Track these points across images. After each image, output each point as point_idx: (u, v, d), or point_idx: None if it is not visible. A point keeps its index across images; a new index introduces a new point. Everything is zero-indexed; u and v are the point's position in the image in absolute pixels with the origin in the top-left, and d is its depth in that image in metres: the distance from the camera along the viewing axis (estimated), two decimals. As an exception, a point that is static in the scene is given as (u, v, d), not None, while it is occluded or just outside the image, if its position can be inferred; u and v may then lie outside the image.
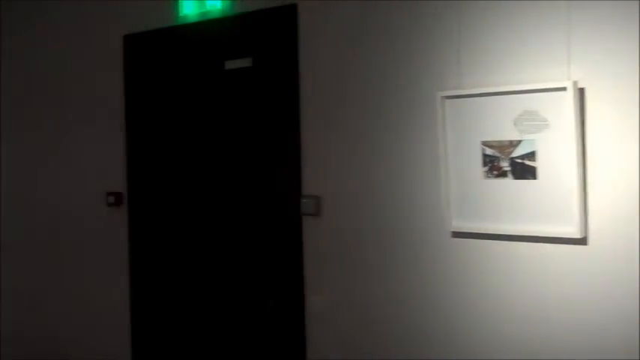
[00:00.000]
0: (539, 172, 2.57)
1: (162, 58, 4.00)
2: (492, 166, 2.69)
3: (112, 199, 4.24)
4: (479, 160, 2.72)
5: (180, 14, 3.84)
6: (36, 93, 4.72)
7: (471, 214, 2.76)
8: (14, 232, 4.92)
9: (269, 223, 3.55)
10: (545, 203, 2.56)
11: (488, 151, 2.70)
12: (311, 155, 3.33)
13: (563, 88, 2.48)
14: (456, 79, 2.82)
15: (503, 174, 2.67)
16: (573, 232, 2.50)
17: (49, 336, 4.71)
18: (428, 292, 2.94)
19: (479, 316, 2.79)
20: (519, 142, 2.61)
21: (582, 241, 2.52)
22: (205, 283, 3.87)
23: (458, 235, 2.83)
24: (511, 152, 2.64)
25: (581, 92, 2.49)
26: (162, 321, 4.07)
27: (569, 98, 2.46)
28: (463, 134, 2.76)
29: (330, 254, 3.27)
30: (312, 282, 3.34)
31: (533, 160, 2.58)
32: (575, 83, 2.46)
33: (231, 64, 3.69)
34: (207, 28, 3.73)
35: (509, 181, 2.65)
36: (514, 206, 2.64)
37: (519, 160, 2.62)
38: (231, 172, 3.75)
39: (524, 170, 2.61)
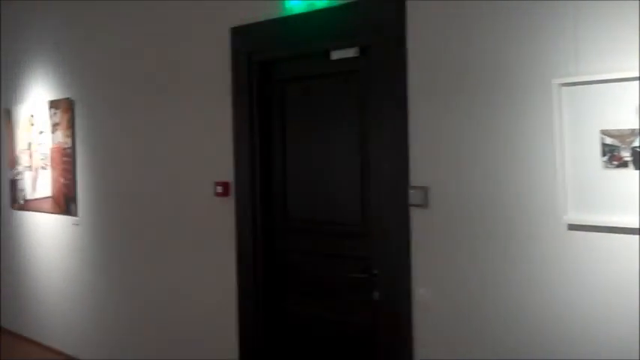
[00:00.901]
0: (664, 163, 2.44)
1: (268, 50, 4.03)
2: (612, 155, 2.57)
3: (220, 188, 4.32)
4: (597, 149, 2.61)
5: (287, 6, 3.86)
6: (148, 81, 4.88)
7: (588, 205, 2.65)
8: (129, 221, 5.11)
9: (376, 214, 3.52)
10: (670, 195, 2.43)
11: (608, 140, 2.58)
12: (419, 146, 3.28)
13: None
14: (572, 67, 2.71)
15: (623, 164, 2.54)
16: (702, 225, 2.36)
17: (153, 318, 4.87)
18: (540, 287, 2.84)
19: (594, 313, 2.68)
20: (642, 130, 2.49)
21: None
22: (311, 275, 3.90)
23: (574, 227, 2.72)
24: (633, 141, 2.51)
25: None
26: (269, 311, 4.12)
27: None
28: (580, 122, 2.65)
29: (438, 246, 3.21)
30: (419, 274, 3.30)
31: (658, 150, 2.46)
32: None
33: (337, 54, 3.68)
34: (313, 19, 3.73)
35: (630, 172, 2.53)
36: (635, 198, 2.52)
37: (642, 150, 2.50)
38: (336, 163, 3.75)
39: (647, 160, 2.49)
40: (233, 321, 4.27)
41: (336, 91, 3.74)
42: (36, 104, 6.00)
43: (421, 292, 3.29)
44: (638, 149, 2.50)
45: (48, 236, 6.03)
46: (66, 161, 5.64)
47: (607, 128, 2.58)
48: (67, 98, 5.60)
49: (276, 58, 4.01)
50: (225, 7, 4.25)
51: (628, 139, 2.52)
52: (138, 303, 5.09)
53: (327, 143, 3.81)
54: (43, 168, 5.94)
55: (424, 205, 3.25)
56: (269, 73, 4.07)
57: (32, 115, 6.05)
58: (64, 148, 5.65)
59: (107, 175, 5.31)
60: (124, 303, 5.22)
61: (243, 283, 4.19)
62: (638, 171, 2.51)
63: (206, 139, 4.44)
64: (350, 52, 3.63)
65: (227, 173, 4.28)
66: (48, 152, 5.87)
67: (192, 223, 4.58)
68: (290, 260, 4.04)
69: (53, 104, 5.76)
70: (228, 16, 4.22)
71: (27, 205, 6.25)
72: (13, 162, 6.37)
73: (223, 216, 4.33)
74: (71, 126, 5.56)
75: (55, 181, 5.81)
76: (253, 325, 4.14)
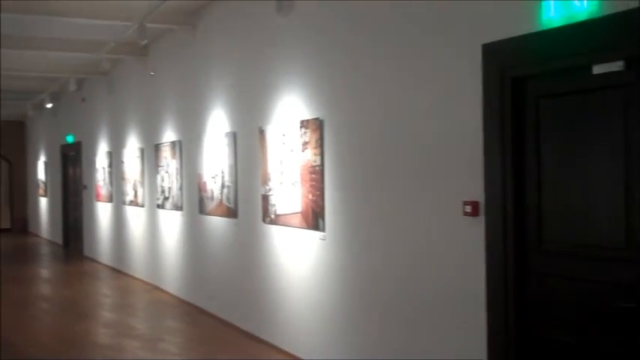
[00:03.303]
0: None
1: (522, 65, 3.91)
2: None
3: (468, 208, 4.26)
4: None
5: (543, 20, 3.73)
6: (393, 100, 4.96)
7: None
8: (374, 237, 5.22)
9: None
10: None
11: None
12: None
13: None
14: None
15: None
16: None
17: (395, 337, 4.90)
18: None
19: None
20: None
21: None
22: (567, 301, 3.71)
23: None
24: None
25: None
26: (521, 338, 3.98)
27: None
28: None
29: None
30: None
31: None
32: None
33: (599, 69, 3.48)
34: (572, 32, 3.57)
35: None
36: None
37: None
38: (595, 182, 3.54)
39: None
40: (482, 344, 4.18)
41: (598, 107, 3.54)
42: (287, 124, 6.34)
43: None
44: None
45: (295, 249, 6.33)
46: (314, 178, 5.89)
47: None
48: (317, 118, 5.85)
49: (530, 74, 3.89)
50: (477, 23, 4.20)
51: None
52: (380, 318, 5.16)
53: (585, 161, 3.62)
54: (293, 184, 6.25)
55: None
56: (522, 89, 3.95)
57: (284, 134, 6.40)
58: (313, 166, 5.91)
59: (353, 193, 5.47)
60: (366, 317, 5.32)
61: (493, 308, 4.08)
62: None
63: (452, 156, 4.42)
64: (614, 66, 3.42)
65: (476, 192, 4.21)
66: (298, 169, 6.17)
67: (436, 241, 4.57)
68: (545, 285, 3.87)
69: (303, 124, 6.05)
70: (479, 32, 4.17)
71: (277, 219, 6.61)
72: (266, 178, 6.78)
73: (471, 236, 4.26)
74: (320, 145, 5.80)
75: (303, 197, 6.09)
76: (503, 345, 4.03)
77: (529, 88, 3.92)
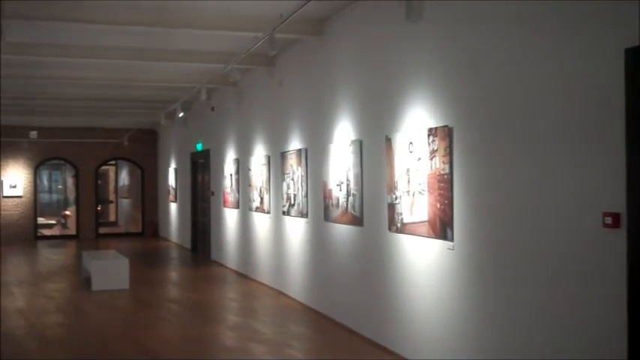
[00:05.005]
0: None
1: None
2: None
3: (608, 219, 4.06)
4: None
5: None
6: (523, 108, 4.81)
7: None
8: (504, 248, 5.07)
9: None
10: None
11: None
12: None
13: None
14: None
15: None
16: None
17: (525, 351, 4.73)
18: None
19: None
20: None
21: None
22: None
23: None
24: None
25: None
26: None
27: None
28: None
29: None
30: None
31: None
32: None
33: None
34: None
35: None
36: None
37: None
38: None
39: None
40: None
41: None
42: (415, 132, 6.28)
43: None
44: None
45: (422, 258, 6.25)
46: (442, 187, 5.80)
47: None
48: (446, 126, 5.76)
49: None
50: (620, 27, 4.01)
51: None
52: (506, 331, 5.01)
53: None
54: (420, 193, 6.18)
55: None
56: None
57: (411, 142, 6.34)
58: (441, 174, 5.81)
59: (484, 202, 5.34)
60: (491, 330, 5.18)
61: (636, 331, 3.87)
62: None
63: (591, 165, 4.23)
64: None
65: (617, 202, 4.01)
66: (425, 178, 6.09)
67: (573, 255, 4.38)
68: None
69: (432, 131, 5.97)
70: (622, 36, 3.97)
71: (403, 228, 6.55)
72: (392, 187, 6.74)
73: (610, 249, 4.06)
74: (449, 153, 5.70)
75: (431, 206, 6.00)
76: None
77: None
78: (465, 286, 5.57)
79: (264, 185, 11.25)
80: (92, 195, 21.71)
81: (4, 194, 20.66)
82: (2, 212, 20.56)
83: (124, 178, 25.81)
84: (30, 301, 10.35)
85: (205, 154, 15.74)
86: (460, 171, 5.60)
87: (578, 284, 4.33)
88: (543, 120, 4.67)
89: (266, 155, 11.13)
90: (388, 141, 6.80)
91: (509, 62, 5.05)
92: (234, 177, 13.27)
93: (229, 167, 13.60)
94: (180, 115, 14.58)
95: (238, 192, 12.99)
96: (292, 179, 9.83)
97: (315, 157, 8.97)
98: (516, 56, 4.96)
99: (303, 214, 9.43)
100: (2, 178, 20.67)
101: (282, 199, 10.29)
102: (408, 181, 6.40)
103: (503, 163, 5.11)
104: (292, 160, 9.81)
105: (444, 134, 5.78)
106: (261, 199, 11.40)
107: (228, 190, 13.77)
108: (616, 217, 4.02)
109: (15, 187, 20.79)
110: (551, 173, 4.60)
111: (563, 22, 4.49)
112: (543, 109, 4.67)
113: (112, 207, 26.61)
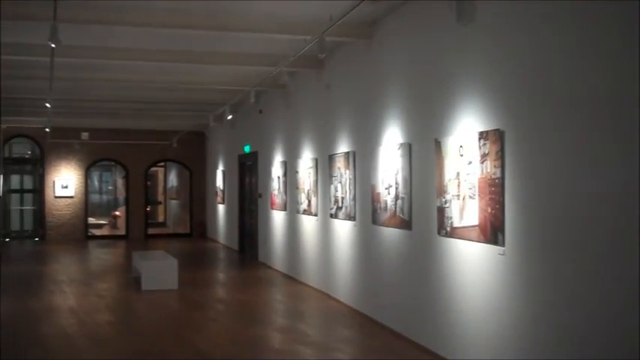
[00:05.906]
0: None
1: None
2: None
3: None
4: None
5: None
6: (578, 112, 4.71)
7: None
8: (556, 254, 4.99)
9: None
10: None
11: None
12: None
13: None
14: None
15: None
16: None
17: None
18: None
19: None
20: None
21: None
22: None
23: None
24: None
25: None
26: None
27: None
28: None
29: None
30: None
31: None
32: None
33: None
34: None
35: None
36: None
37: None
38: None
39: None
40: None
41: None
42: (465, 135, 6.21)
43: None
44: None
45: (472, 263, 6.17)
46: (493, 191, 5.73)
47: None
48: (497, 129, 5.69)
49: None
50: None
51: None
52: (556, 335, 4.92)
53: None
54: (471, 197, 6.11)
55: None
56: None
57: (461, 146, 6.27)
58: (492, 178, 5.74)
59: (535, 207, 5.26)
60: (541, 334, 5.09)
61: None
62: None
63: (635, 166, 4.14)
64: None
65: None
66: (475, 182, 6.02)
67: (630, 259, 4.28)
68: None
69: (482, 135, 5.90)
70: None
71: (453, 232, 6.48)
72: (441, 190, 6.68)
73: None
74: (500, 157, 5.62)
75: (481, 210, 5.93)
76: None
77: None
78: (518, 293, 5.48)
79: (311, 188, 11.26)
80: (141, 196, 22.04)
81: (56, 194, 21.12)
82: (54, 212, 21.02)
83: (173, 179, 26.15)
84: (81, 300, 10.54)
85: (253, 156, 15.83)
86: (512, 175, 5.53)
87: (638, 289, 4.23)
88: (596, 123, 4.57)
89: (313, 158, 11.14)
90: (437, 144, 6.74)
91: (561, 66, 4.96)
92: (281, 179, 13.31)
93: (277, 169, 13.66)
94: (229, 117, 14.68)
95: (286, 194, 13.03)
96: (340, 182, 9.82)
97: (363, 160, 8.95)
98: (569, 60, 4.87)
99: (350, 217, 9.41)
100: (54, 179, 21.13)
101: (330, 201, 10.29)
102: (458, 185, 6.33)
103: (555, 167, 5.02)
104: (340, 163, 9.80)
105: (495, 138, 5.70)
106: (309, 201, 11.42)
107: (275, 192, 13.82)
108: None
109: (67, 187, 21.24)
110: (606, 175, 4.50)
111: (619, 24, 4.39)
112: (596, 112, 4.57)
113: (160, 208, 26.99)
